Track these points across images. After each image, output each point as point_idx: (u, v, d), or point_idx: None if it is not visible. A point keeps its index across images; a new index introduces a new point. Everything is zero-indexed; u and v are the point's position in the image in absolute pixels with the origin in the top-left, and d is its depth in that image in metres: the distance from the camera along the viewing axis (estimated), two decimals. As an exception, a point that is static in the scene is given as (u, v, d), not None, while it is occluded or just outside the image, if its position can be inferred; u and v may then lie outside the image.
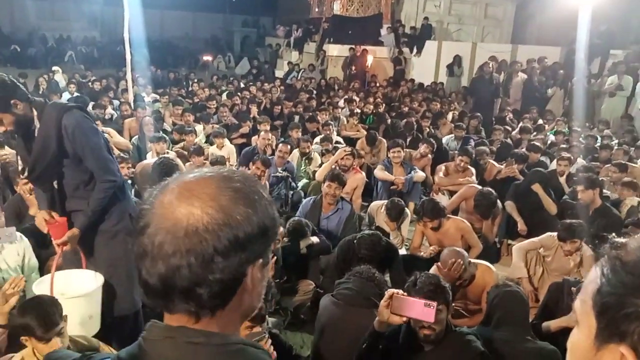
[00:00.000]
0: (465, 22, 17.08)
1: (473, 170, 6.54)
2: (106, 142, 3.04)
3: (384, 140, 7.96)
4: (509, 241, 5.54)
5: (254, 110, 9.68)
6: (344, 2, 16.30)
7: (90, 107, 8.55)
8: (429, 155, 7.10)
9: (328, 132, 7.93)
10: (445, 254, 3.78)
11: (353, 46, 15.02)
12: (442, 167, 6.67)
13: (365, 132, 8.49)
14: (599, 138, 8.86)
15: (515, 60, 13.90)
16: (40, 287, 2.89)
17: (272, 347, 2.45)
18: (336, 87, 13.61)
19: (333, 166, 5.92)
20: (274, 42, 19.98)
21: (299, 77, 15.16)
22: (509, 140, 8.50)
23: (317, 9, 17.93)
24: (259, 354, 0.92)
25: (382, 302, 2.46)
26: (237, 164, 6.80)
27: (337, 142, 7.63)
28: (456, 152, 7.17)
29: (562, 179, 6.46)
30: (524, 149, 7.28)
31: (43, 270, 3.66)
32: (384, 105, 11.34)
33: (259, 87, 12.79)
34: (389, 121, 9.41)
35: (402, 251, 4.85)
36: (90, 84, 12.01)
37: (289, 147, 6.60)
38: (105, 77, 12.57)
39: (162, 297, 0.86)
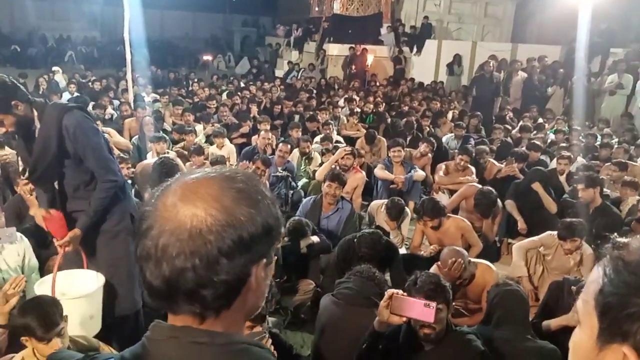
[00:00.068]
0: (465, 21, 17.08)
1: (473, 169, 6.54)
2: (106, 142, 3.04)
3: (383, 139, 7.96)
4: (509, 240, 5.53)
5: (254, 109, 9.68)
6: (343, 1, 16.28)
7: (90, 107, 8.55)
8: (429, 155, 7.09)
9: (328, 132, 7.93)
10: (445, 253, 3.78)
11: (353, 45, 15.02)
12: (442, 166, 6.67)
13: (365, 132, 8.49)
14: (599, 137, 8.86)
15: (515, 59, 13.88)
16: (42, 287, 2.89)
17: (272, 347, 2.45)
18: (336, 87, 13.61)
19: (333, 166, 5.92)
20: (274, 41, 19.98)
21: (299, 77, 15.16)
22: (509, 139, 8.49)
23: (317, 8, 17.92)
24: (263, 354, 0.92)
25: (382, 302, 2.47)
26: (237, 164, 6.80)
27: (337, 142, 7.62)
28: (456, 151, 7.17)
29: (562, 178, 6.46)
30: (524, 148, 7.27)
31: (43, 270, 3.67)
32: (384, 104, 11.34)
33: (259, 86, 12.79)
34: (389, 120, 9.40)
35: (402, 250, 4.85)
36: (90, 84, 12.01)
37: (289, 146, 6.59)
38: (105, 77, 12.58)
39: (166, 299, 0.86)
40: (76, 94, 10.44)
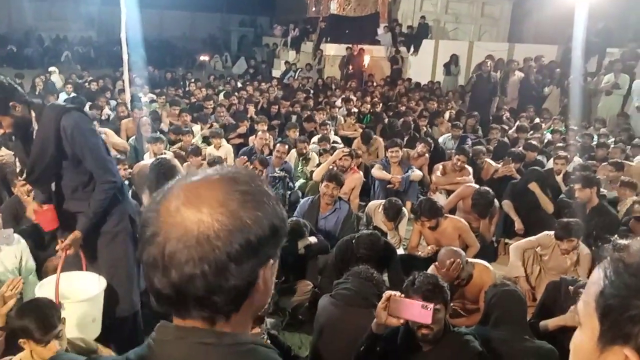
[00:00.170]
0: (462, 20, 17.12)
1: (470, 169, 6.55)
2: (104, 143, 3.04)
3: (380, 139, 7.96)
4: (506, 240, 5.54)
5: (251, 110, 9.66)
6: (340, 1, 16.26)
7: (87, 108, 8.53)
8: (426, 155, 7.10)
9: (325, 132, 7.93)
10: (443, 254, 3.78)
11: (350, 45, 15.02)
12: (439, 167, 6.67)
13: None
14: (596, 136, 8.88)
15: (512, 58, 13.90)
16: (42, 289, 2.88)
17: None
18: (333, 87, 13.62)
19: (331, 166, 5.92)
20: (271, 41, 19.97)
21: (296, 77, 15.14)
22: (505, 139, 8.51)
23: (314, 9, 17.92)
24: (270, 354, 0.91)
25: (380, 304, 2.46)
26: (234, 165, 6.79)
27: (334, 142, 7.63)
28: (453, 151, 7.18)
29: (559, 178, 6.47)
30: (520, 148, 7.29)
31: (40, 272, 3.65)
32: (381, 104, 11.35)
33: (256, 86, 12.76)
34: (386, 120, 9.41)
35: (400, 251, 4.85)
36: (87, 84, 11.95)
37: (286, 147, 6.58)
38: (102, 78, 12.52)
39: (175, 305, 0.85)
40: (73, 94, 10.40)
